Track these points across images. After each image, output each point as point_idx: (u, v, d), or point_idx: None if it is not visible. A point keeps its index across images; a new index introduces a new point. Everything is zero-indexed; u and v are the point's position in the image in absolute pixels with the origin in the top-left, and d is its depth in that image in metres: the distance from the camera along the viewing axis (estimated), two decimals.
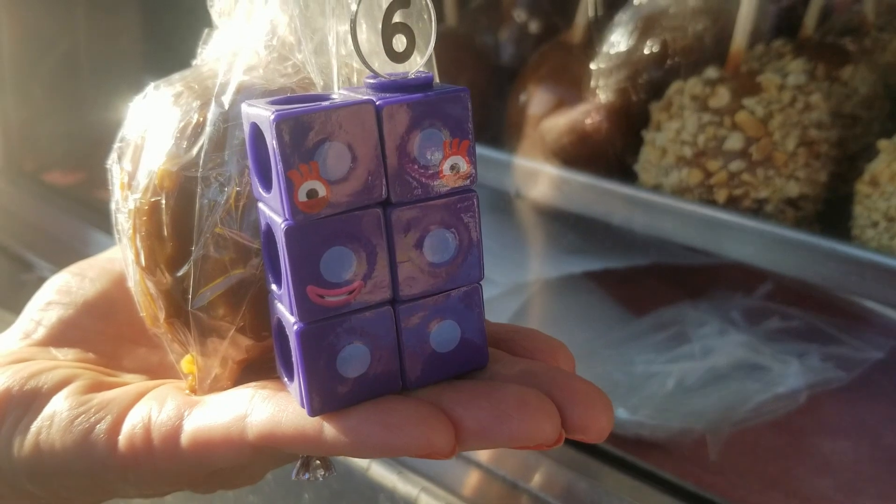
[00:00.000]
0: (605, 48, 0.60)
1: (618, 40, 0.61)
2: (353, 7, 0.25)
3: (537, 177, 0.62)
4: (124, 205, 0.28)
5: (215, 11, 0.31)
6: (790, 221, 0.57)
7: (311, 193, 0.22)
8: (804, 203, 0.57)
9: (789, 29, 0.70)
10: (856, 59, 0.65)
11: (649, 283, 0.69)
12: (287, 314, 0.24)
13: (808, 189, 0.56)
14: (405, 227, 0.24)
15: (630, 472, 0.51)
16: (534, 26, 0.73)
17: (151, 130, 0.28)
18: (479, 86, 0.70)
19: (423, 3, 0.26)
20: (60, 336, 0.32)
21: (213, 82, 0.28)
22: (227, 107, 0.26)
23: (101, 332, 0.32)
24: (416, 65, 0.25)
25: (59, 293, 0.33)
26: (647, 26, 0.60)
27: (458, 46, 0.70)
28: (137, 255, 0.27)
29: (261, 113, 0.23)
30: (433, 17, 0.26)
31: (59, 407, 0.28)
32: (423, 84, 0.24)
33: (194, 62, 0.32)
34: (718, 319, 0.62)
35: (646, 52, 0.60)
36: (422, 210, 0.24)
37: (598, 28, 0.65)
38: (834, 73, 0.64)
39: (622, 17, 0.61)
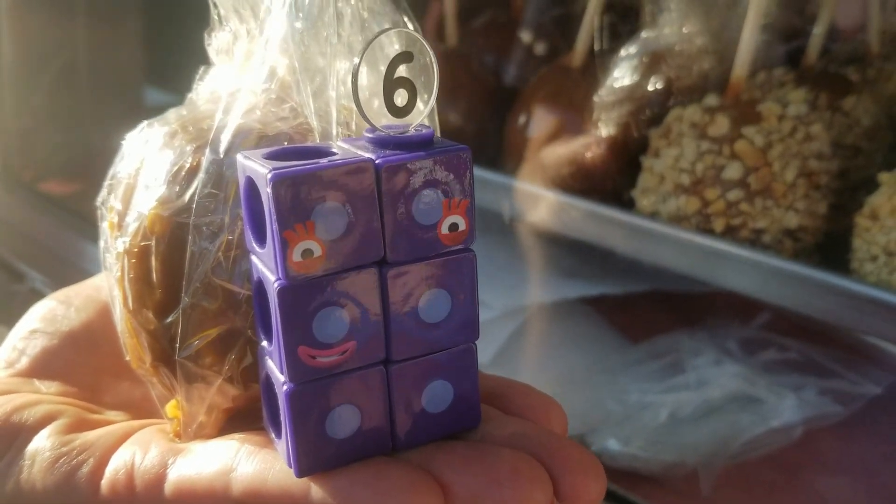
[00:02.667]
0: (608, 80, 0.60)
1: (621, 73, 0.60)
2: (356, 60, 0.24)
3: (534, 200, 0.62)
4: (113, 245, 0.27)
5: (213, 49, 0.30)
6: (788, 253, 0.56)
7: (306, 253, 0.22)
8: (803, 235, 0.56)
9: (792, 58, 0.70)
10: (859, 89, 0.65)
11: (645, 309, 0.69)
12: (277, 372, 0.23)
13: (807, 221, 0.56)
14: (401, 287, 0.23)
15: None
16: (534, 48, 0.72)
17: (144, 171, 0.27)
18: (478, 106, 0.69)
19: (427, 57, 0.25)
20: (44, 367, 0.31)
21: (208, 124, 0.27)
22: (222, 153, 0.25)
23: (84, 364, 0.32)
24: (418, 118, 0.25)
25: (43, 321, 0.33)
26: (651, 61, 0.60)
27: (458, 67, 0.70)
28: (125, 299, 0.27)
29: (257, 168, 0.22)
30: (436, 71, 0.25)
31: (41, 446, 0.27)
32: (423, 141, 0.24)
33: (189, 96, 0.32)
34: (714, 349, 0.61)
35: (649, 88, 0.59)
36: (418, 270, 0.23)
37: (600, 53, 0.64)
38: (836, 103, 0.63)
39: (626, 49, 0.60)
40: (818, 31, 0.67)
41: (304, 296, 0.22)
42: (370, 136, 0.24)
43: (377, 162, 0.23)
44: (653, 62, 0.60)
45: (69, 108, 0.92)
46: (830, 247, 0.58)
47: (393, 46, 0.28)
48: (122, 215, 0.27)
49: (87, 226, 0.74)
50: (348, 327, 0.23)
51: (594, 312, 0.67)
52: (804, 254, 0.57)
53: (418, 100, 0.25)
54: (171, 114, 0.29)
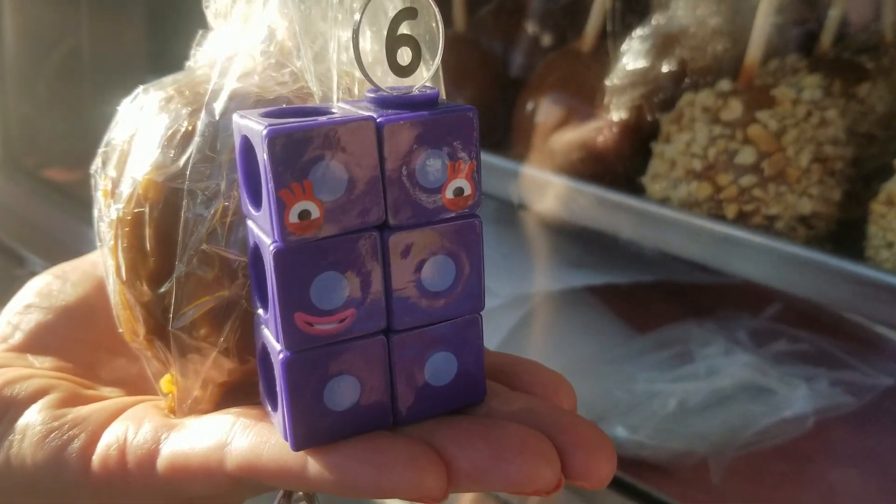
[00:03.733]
0: (619, 64, 0.59)
1: (633, 57, 0.59)
2: (357, 16, 0.23)
3: (542, 187, 0.61)
4: (107, 213, 0.26)
5: (211, 13, 0.29)
6: (802, 240, 0.55)
7: (304, 214, 0.21)
8: (816, 221, 0.55)
9: (805, 46, 0.69)
10: (873, 77, 0.63)
11: (654, 299, 0.68)
12: (273, 341, 0.22)
13: (821, 207, 0.54)
14: (403, 253, 0.22)
15: (628, 493, 0.49)
16: (543, 33, 0.71)
17: (138, 136, 0.26)
18: (486, 92, 0.68)
19: (432, 13, 0.24)
20: (38, 342, 0.31)
21: (205, 88, 0.26)
22: (217, 116, 0.24)
23: (79, 340, 0.31)
24: (422, 79, 0.24)
25: (38, 296, 0.32)
26: (663, 44, 0.59)
27: (466, 52, 0.69)
28: (118, 268, 0.26)
29: (252, 126, 0.21)
30: (441, 29, 0.24)
31: (32, 420, 0.27)
32: (428, 101, 0.23)
33: (187, 64, 0.31)
34: (724, 339, 0.60)
35: (662, 70, 0.58)
36: (421, 235, 0.22)
37: (611, 37, 0.63)
38: (850, 90, 0.62)
39: (637, 32, 0.59)
40: (832, 18, 0.66)
41: (302, 260, 0.21)
42: (372, 95, 0.23)
43: (378, 120, 0.22)
44: (665, 45, 0.59)
45: (72, 96, 0.91)
46: (844, 234, 0.56)
47: (396, 8, 0.27)
48: (116, 182, 0.26)
49: (88, 212, 0.74)
50: (348, 294, 0.22)
51: (601, 302, 0.66)
52: (817, 241, 0.56)
53: (422, 61, 0.24)
54: (168, 79, 0.28)
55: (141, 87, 0.28)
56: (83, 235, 0.70)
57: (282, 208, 0.21)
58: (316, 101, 0.26)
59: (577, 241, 0.66)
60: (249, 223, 0.23)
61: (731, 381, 0.55)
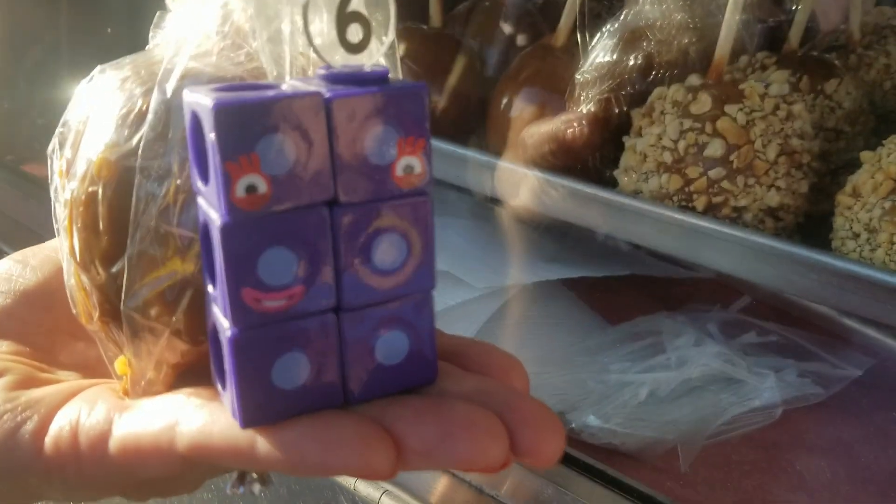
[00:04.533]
0: (589, 57, 0.59)
1: (602, 51, 0.59)
2: None
3: (516, 180, 0.61)
4: (62, 194, 0.26)
5: None
6: (770, 232, 0.55)
7: (251, 189, 0.21)
8: (784, 214, 0.55)
9: (773, 45, 0.69)
10: (840, 74, 0.64)
11: (626, 292, 0.68)
12: (221, 318, 0.22)
13: (788, 199, 0.55)
14: (353, 230, 0.22)
15: (600, 480, 0.50)
16: (519, 28, 0.71)
17: (93, 117, 0.26)
18: (462, 87, 0.69)
19: None
20: None
21: (160, 68, 0.26)
22: (169, 94, 0.24)
23: (38, 324, 0.31)
24: (373, 57, 0.24)
25: None
26: (632, 38, 0.59)
27: (442, 48, 0.69)
28: (72, 249, 0.26)
29: (200, 100, 0.21)
30: (393, 7, 0.24)
31: None
32: (378, 78, 0.23)
33: (147, 47, 0.30)
34: (695, 331, 0.60)
35: (630, 63, 0.58)
36: (371, 212, 0.22)
37: (583, 33, 0.63)
38: (818, 86, 0.63)
39: (607, 27, 0.60)
40: (800, 17, 0.66)
41: (249, 234, 0.21)
42: (323, 72, 0.23)
43: (327, 96, 0.22)
44: (635, 41, 0.59)
45: (53, 91, 0.91)
46: (812, 227, 0.57)
47: None
48: (72, 162, 0.26)
49: None
50: (296, 270, 0.22)
51: (575, 294, 0.66)
52: (785, 233, 0.56)
53: (374, 38, 0.24)
54: (126, 59, 0.28)
55: (98, 68, 0.28)
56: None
57: (228, 181, 0.21)
58: (269, 80, 0.26)
59: (552, 234, 0.66)
60: (199, 200, 0.23)
61: (701, 371, 0.55)
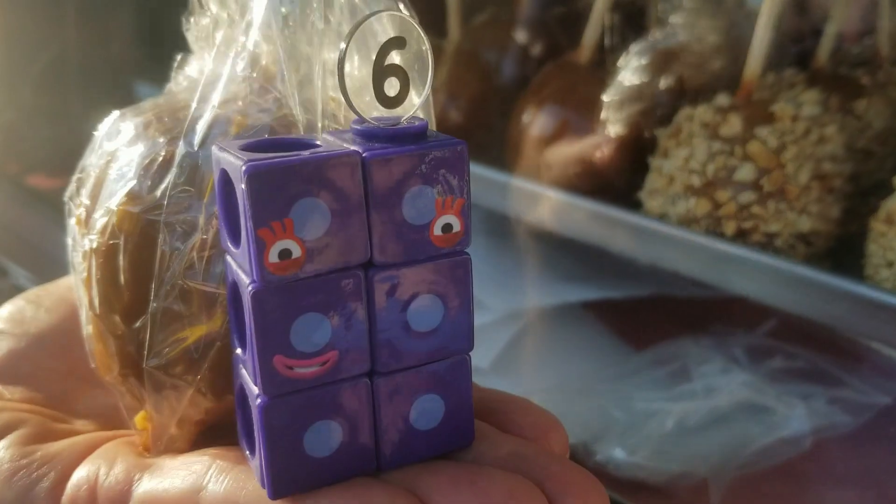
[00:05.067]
0: (617, 78, 0.58)
1: (631, 72, 0.58)
2: (343, 45, 0.22)
3: (538, 200, 0.60)
4: (80, 243, 0.25)
5: (192, 36, 0.28)
6: (801, 257, 0.54)
7: (284, 254, 0.20)
8: (816, 239, 0.54)
9: (800, 60, 0.68)
10: (870, 92, 0.63)
11: (650, 315, 0.67)
12: (251, 383, 0.21)
13: (820, 224, 0.54)
14: (388, 293, 0.21)
15: None
16: (539, 44, 0.70)
17: (113, 164, 0.25)
18: (481, 103, 0.67)
19: (422, 41, 0.23)
20: (9, 370, 0.29)
21: (184, 114, 0.25)
22: (196, 146, 0.23)
23: (52, 369, 0.30)
24: (411, 110, 0.23)
25: (10, 322, 0.31)
26: (661, 59, 0.58)
27: (461, 63, 0.68)
28: (91, 301, 0.25)
29: (232, 160, 0.20)
30: (431, 58, 0.23)
31: (0, 457, 0.25)
32: (416, 133, 0.22)
33: (168, 86, 0.30)
34: (721, 356, 0.59)
35: (660, 86, 0.57)
36: (408, 274, 0.21)
37: (609, 49, 0.62)
38: (847, 106, 0.61)
39: (636, 47, 0.58)
40: (829, 32, 0.65)
41: (281, 300, 0.20)
42: (358, 127, 0.22)
43: (364, 155, 0.21)
44: (663, 60, 0.58)
45: (58, 102, 0.90)
46: (843, 252, 0.56)
47: (386, 33, 0.26)
48: (90, 211, 0.25)
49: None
50: (330, 335, 0.21)
51: (597, 317, 0.65)
52: (817, 259, 0.55)
53: (412, 90, 0.23)
54: (147, 103, 0.27)
55: (118, 112, 0.27)
56: (64, 244, 0.69)
57: (261, 247, 0.20)
58: (300, 130, 0.25)
59: (571, 253, 0.65)
60: (228, 258, 0.22)
61: (729, 400, 0.54)
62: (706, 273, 0.54)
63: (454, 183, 0.22)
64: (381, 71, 0.22)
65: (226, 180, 0.21)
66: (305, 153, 0.20)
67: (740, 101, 0.56)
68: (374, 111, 0.23)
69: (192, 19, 0.28)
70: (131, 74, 0.93)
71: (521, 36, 0.71)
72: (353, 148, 0.21)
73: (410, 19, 0.24)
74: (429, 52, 0.23)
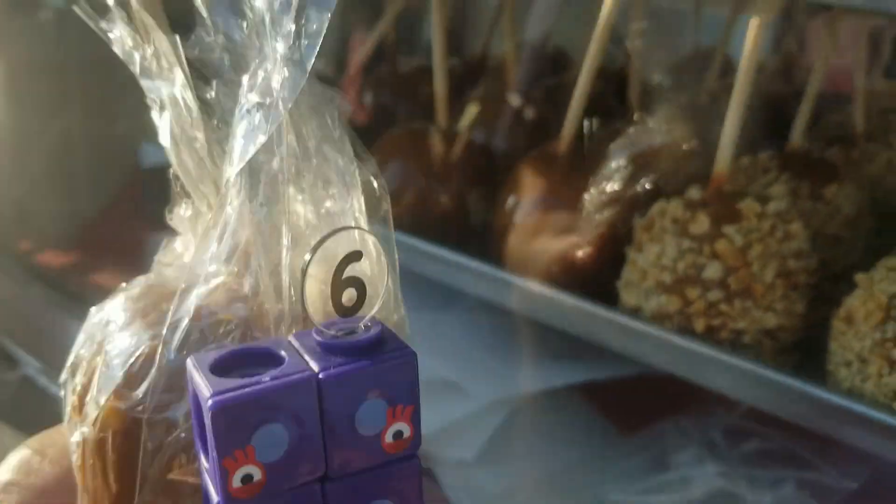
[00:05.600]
0: (596, 178, 0.61)
1: (609, 172, 0.61)
2: (307, 257, 0.25)
3: (520, 290, 0.63)
4: (73, 431, 0.28)
5: (174, 223, 0.31)
6: (768, 352, 0.56)
7: (246, 479, 0.22)
8: (782, 334, 0.56)
9: (779, 132, 0.70)
10: (842, 176, 0.65)
11: (634, 392, 0.69)
12: None
13: (785, 321, 0.56)
14: (343, 501, 0.24)
15: None
16: (524, 128, 0.73)
17: (102, 357, 0.28)
18: (467, 187, 0.70)
19: (378, 252, 0.26)
20: None
21: (167, 307, 0.28)
22: (173, 354, 0.26)
23: None
24: (368, 313, 0.25)
25: (18, 472, 0.33)
26: (639, 163, 0.61)
27: (447, 146, 0.71)
28: (85, 488, 0.27)
29: (201, 387, 0.23)
30: (387, 267, 0.26)
31: None
32: (371, 344, 0.24)
33: (155, 259, 0.32)
34: (699, 443, 0.62)
35: (637, 188, 0.60)
36: (361, 482, 0.24)
37: (587, 141, 0.65)
38: (818, 192, 0.64)
39: (614, 146, 0.61)
40: (803, 112, 0.67)
41: None
42: (318, 338, 0.25)
43: (321, 376, 0.23)
44: (640, 163, 0.61)
45: (66, 175, 0.93)
46: (811, 343, 0.58)
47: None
48: (82, 400, 0.28)
49: (81, 305, 0.75)
50: None
51: (580, 396, 0.67)
52: (784, 352, 0.57)
53: (367, 300, 0.25)
54: (137, 287, 0.30)
55: (110, 297, 0.30)
56: (75, 331, 0.72)
57: (225, 475, 0.22)
58: (270, 320, 0.27)
59: (554, 337, 0.67)
60: (201, 458, 0.25)
61: (703, 490, 0.56)
62: (678, 367, 0.56)
63: (405, 391, 0.24)
64: (339, 283, 0.25)
65: (195, 398, 0.24)
66: (266, 378, 0.23)
67: (710, 195, 0.58)
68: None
69: (174, 209, 0.31)
70: (139, 141, 0.95)
71: (508, 119, 0.74)
72: (310, 365, 0.24)
73: (368, 232, 0.26)
74: (384, 259, 0.26)
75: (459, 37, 0.93)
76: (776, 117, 0.75)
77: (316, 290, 0.27)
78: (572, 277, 0.61)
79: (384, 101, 0.83)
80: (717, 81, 0.76)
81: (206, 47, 0.28)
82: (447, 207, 0.69)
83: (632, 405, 0.68)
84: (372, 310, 0.26)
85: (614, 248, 0.60)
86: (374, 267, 0.26)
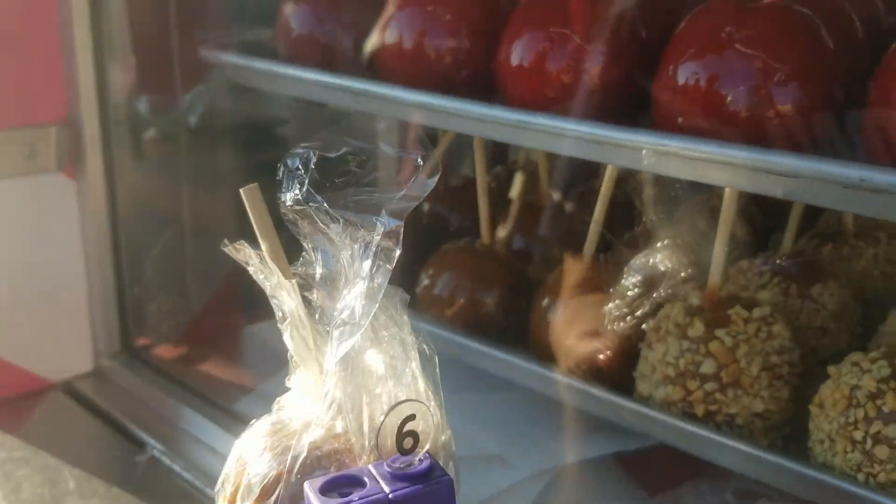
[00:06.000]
0: (614, 297, 0.74)
1: (625, 291, 0.74)
2: (381, 419, 0.39)
3: (552, 381, 0.76)
4: None
5: (289, 382, 0.45)
6: (759, 430, 0.68)
7: None
8: (770, 415, 0.68)
9: (774, 242, 0.83)
10: (826, 276, 0.77)
11: (661, 457, 0.80)
12: None
13: (772, 405, 0.68)
14: None
15: None
16: (557, 244, 0.87)
17: (244, 475, 0.42)
18: (508, 295, 0.84)
19: (429, 410, 0.40)
20: None
21: (288, 443, 0.42)
22: (294, 479, 0.40)
23: None
24: (422, 451, 0.39)
25: None
26: (650, 282, 0.74)
27: (490, 261, 0.85)
28: None
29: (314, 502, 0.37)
30: (434, 423, 0.40)
31: None
32: (423, 474, 0.38)
33: (276, 400, 0.47)
34: (713, 502, 0.73)
35: (648, 303, 0.73)
36: None
37: (606, 256, 0.79)
38: (805, 292, 0.76)
39: (629, 269, 0.75)
40: (791, 223, 0.80)
41: None
42: (388, 469, 0.39)
43: (390, 496, 0.37)
44: (651, 282, 0.74)
45: (176, 273, 1.08)
46: (801, 417, 0.69)
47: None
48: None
49: (195, 397, 0.90)
50: None
51: (613, 461, 0.79)
52: (774, 429, 0.69)
53: (420, 444, 0.39)
54: (266, 425, 0.44)
55: (251, 423, 0.44)
56: (193, 418, 0.86)
57: None
58: (355, 452, 0.42)
59: (583, 416, 0.80)
60: None
61: None
62: (684, 445, 0.69)
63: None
64: (401, 436, 0.39)
65: None
66: (356, 498, 0.37)
67: (706, 302, 0.71)
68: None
69: (290, 375, 0.45)
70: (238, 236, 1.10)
71: (543, 236, 0.88)
72: (383, 489, 0.37)
73: (424, 404, 0.40)
74: (433, 415, 0.40)
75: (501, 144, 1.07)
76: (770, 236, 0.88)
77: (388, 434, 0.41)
78: (596, 375, 0.74)
79: (439, 210, 0.98)
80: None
81: (310, 266, 0.43)
82: (490, 309, 0.83)
83: (656, 471, 0.80)
84: (423, 449, 0.40)
85: (631, 347, 0.74)
86: (424, 421, 0.40)
